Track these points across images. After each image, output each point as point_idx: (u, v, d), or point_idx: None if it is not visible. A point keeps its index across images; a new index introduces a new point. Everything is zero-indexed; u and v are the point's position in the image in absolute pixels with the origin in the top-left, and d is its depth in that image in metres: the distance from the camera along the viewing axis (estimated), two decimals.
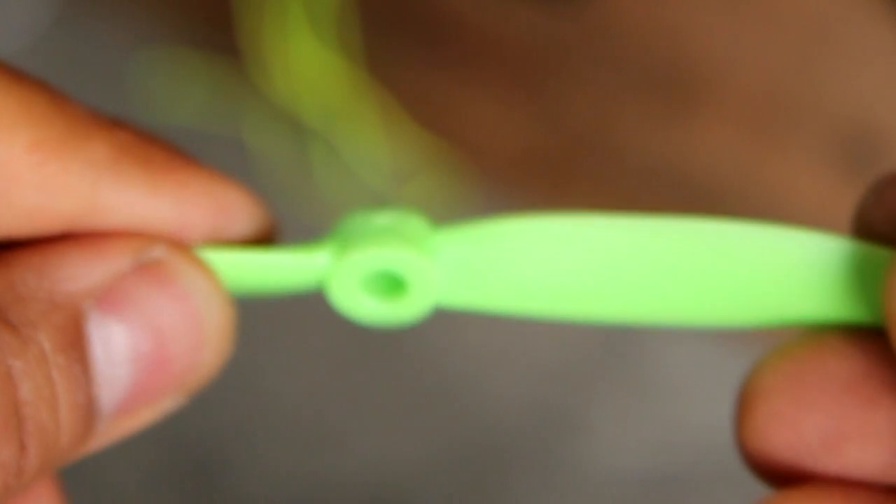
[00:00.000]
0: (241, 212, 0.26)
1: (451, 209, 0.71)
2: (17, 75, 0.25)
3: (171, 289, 0.24)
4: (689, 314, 0.25)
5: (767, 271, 0.25)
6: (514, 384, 0.70)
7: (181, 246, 0.25)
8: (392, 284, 0.25)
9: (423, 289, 0.25)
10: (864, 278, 0.25)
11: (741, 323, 0.25)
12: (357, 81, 0.71)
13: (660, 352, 0.70)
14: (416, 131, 0.71)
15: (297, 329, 0.71)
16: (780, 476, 0.25)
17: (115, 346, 0.23)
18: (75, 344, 0.23)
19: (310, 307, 0.71)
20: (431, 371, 0.71)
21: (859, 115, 0.67)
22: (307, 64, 0.72)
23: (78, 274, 0.23)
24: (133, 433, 0.25)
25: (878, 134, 0.67)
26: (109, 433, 0.24)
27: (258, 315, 0.72)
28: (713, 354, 0.69)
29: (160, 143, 0.25)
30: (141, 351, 0.24)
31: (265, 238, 0.26)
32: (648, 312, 0.25)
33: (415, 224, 0.25)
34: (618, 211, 0.25)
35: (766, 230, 0.25)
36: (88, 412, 0.23)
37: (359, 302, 0.25)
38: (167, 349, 0.24)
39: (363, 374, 0.72)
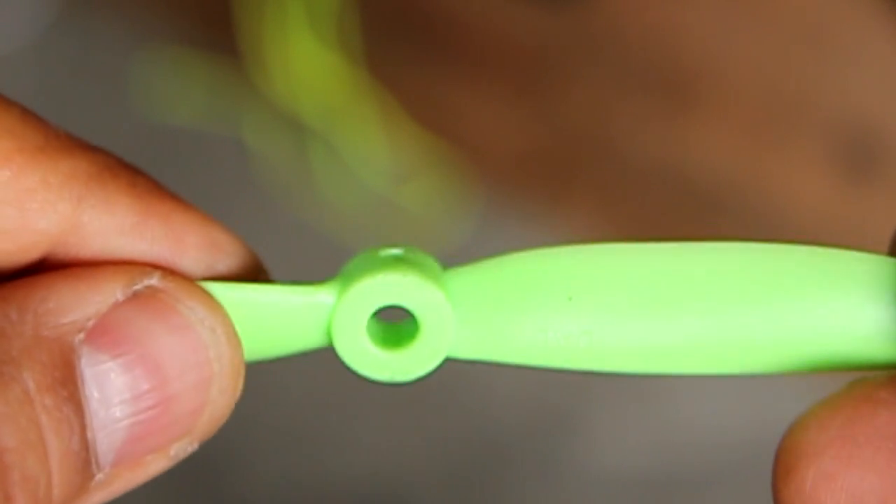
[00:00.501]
0: (230, 250, 0.24)
1: (451, 209, 0.71)
2: None
3: (170, 319, 0.22)
4: (722, 360, 0.23)
5: (808, 299, 0.22)
6: (514, 384, 0.70)
7: (179, 274, 0.22)
8: (402, 336, 0.23)
9: (437, 327, 0.22)
10: None
11: (778, 367, 0.23)
12: (357, 81, 0.71)
13: None
14: (416, 131, 0.71)
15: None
16: None
17: (110, 384, 0.21)
18: (65, 383, 0.21)
19: None
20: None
21: (858, 116, 0.67)
22: (307, 64, 0.72)
23: (65, 306, 0.21)
24: (139, 485, 0.23)
25: (878, 134, 0.67)
26: (112, 486, 0.22)
27: None
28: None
29: (144, 173, 0.23)
30: (141, 389, 0.21)
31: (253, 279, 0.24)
32: (681, 361, 0.23)
33: (425, 261, 0.23)
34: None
35: (805, 252, 0.22)
36: (84, 460, 0.21)
37: (366, 350, 0.23)
38: (170, 387, 0.22)
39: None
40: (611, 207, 0.69)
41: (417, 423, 0.71)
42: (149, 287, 0.22)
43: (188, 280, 0.22)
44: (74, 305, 0.21)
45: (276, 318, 0.23)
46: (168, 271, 0.22)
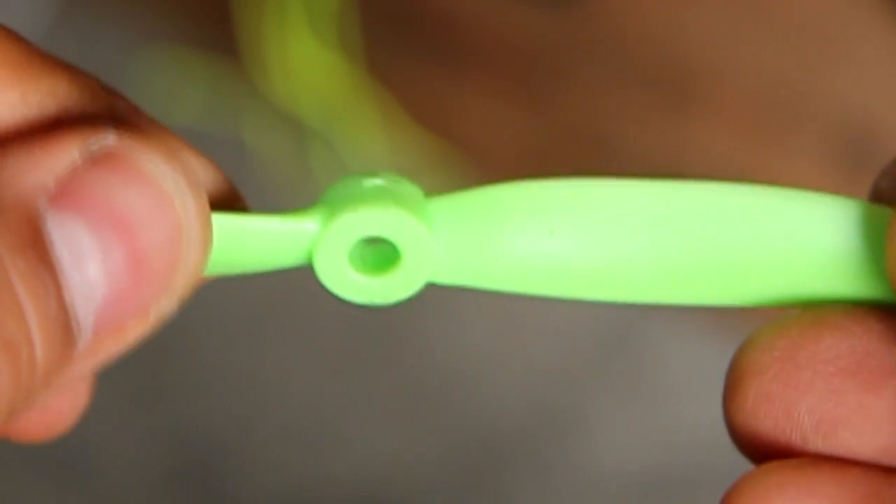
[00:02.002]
0: (202, 175, 0.24)
1: None
2: None
3: (131, 175, 0.21)
4: (694, 290, 0.24)
5: (775, 236, 0.23)
6: (513, 384, 0.70)
7: (135, 131, 0.22)
8: (383, 258, 0.23)
9: (417, 258, 0.23)
10: (874, 245, 0.23)
11: (746, 299, 0.24)
12: (357, 81, 0.71)
13: (659, 351, 0.70)
14: (416, 131, 0.71)
15: (298, 329, 0.71)
16: (767, 455, 0.24)
17: (80, 244, 0.21)
18: (34, 244, 0.20)
19: (310, 307, 0.71)
20: (431, 371, 0.71)
21: (859, 115, 0.67)
22: (307, 64, 0.72)
23: (23, 171, 0.21)
24: (127, 349, 0.22)
25: (878, 133, 0.67)
26: (96, 354, 0.21)
27: (258, 316, 0.72)
28: (713, 354, 0.69)
29: (123, 96, 0.23)
30: (110, 246, 0.21)
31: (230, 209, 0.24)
32: (655, 289, 0.24)
33: (409, 189, 0.23)
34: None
35: (774, 192, 0.24)
36: (64, 323, 0.20)
37: (347, 276, 0.23)
38: (140, 242, 0.21)
39: (363, 375, 0.72)
40: None
41: (417, 423, 0.71)
42: (105, 146, 0.21)
43: (145, 136, 0.22)
44: (33, 169, 0.21)
45: (258, 243, 0.23)
46: (124, 129, 0.22)
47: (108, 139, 0.21)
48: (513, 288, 0.24)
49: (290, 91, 0.72)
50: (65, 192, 0.21)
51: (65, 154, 0.21)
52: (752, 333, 0.24)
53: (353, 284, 0.23)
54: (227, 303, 0.71)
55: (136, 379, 0.70)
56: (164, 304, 0.22)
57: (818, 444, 0.23)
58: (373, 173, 0.23)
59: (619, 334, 0.70)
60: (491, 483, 0.70)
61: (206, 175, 0.24)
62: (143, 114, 0.23)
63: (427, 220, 0.23)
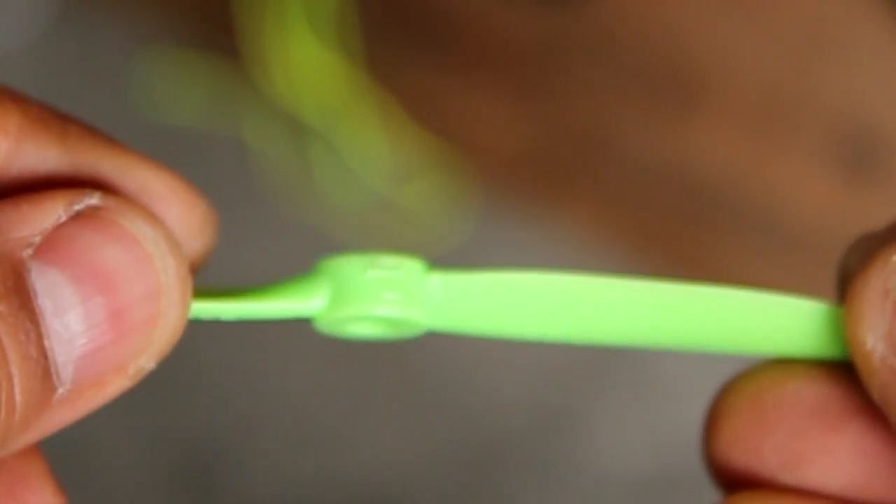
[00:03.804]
0: (168, 196, 0.24)
1: (450, 209, 0.71)
2: None
3: (113, 233, 0.22)
4: (676, 344, 0.27)
5: (750, 325, 0.26)
6: (513, 384, 0.70)
7: (119, 193, 0.23)
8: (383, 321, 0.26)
9: (414, 327, 0.26)
10: (835, 328, 0.25)
11: (721, 351, 0.26)
12: (357, 81, 0.71)
13: (660, 352, 0.70)
14: (416, 131, 0.71)
15: (297, 329, 0.71)
16: (738, 488, 0.26)
17: (62, 296, 0.22)
18: (17, 292, 0.21)
19: None
20: (431, 371, 0.71)
21: (859, 115, 0.67)
22: (307, 64, 0.72)
23: (10, 225, 0.21)
24: (106, 403, 0.23)
25: (878, 134, 0.67)
26: (76, 404, 0.22)
27: None
28: (713, 354, 0.69)
29: (76, 120, 0.24)
30: (92, 300, 0.22)
31: (201, 230, 0.25)
32: (638, 336, 0.26)
33: (407, 273, 0.25)
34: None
35: (748, 296, 0.26)
36: (44, 368, 0.21)
37: (348, 331, 0.26)
38: (121, 297, 0.22)
39: (363, 375, 0.72)
40: (610, 207, 0.69)
41: (418, 423, 0.71)
42: (90, 206, 0.22)
43: (128, 198, 0.23)
44: (19, 224, 0.22)
45: (261, 316, 0.25)
46: (108, 191, 0.23)
47: (93, 199, 0.22)
48: (505, 336, 0.27)
49: (290, 91, 0.72)
50: (50, 246, 0.22)
51: (51, 211, 0.22)
52: (729, 380, 0.26)
53: (352, 334, 0.26)
54: None
55: None
56: (144, 361, 0.23)
57: (785, 479, 0.25)
58: (374, 260, 0.25)
59: None
60: (492, 483, 0.70)
61: (170, 195, 0.24)
62: (99, 137, 0.24)
63: (423, 304, 0.25)
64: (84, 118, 0.24)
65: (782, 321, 0.25)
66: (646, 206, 0.69)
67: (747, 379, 0.26)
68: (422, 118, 0.71)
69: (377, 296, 0.25)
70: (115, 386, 0.22)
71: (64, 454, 0.70)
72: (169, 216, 0.24)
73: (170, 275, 0.22)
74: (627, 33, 0.69)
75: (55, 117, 0.23)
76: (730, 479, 0.26)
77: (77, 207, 0.22)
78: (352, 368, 0.72)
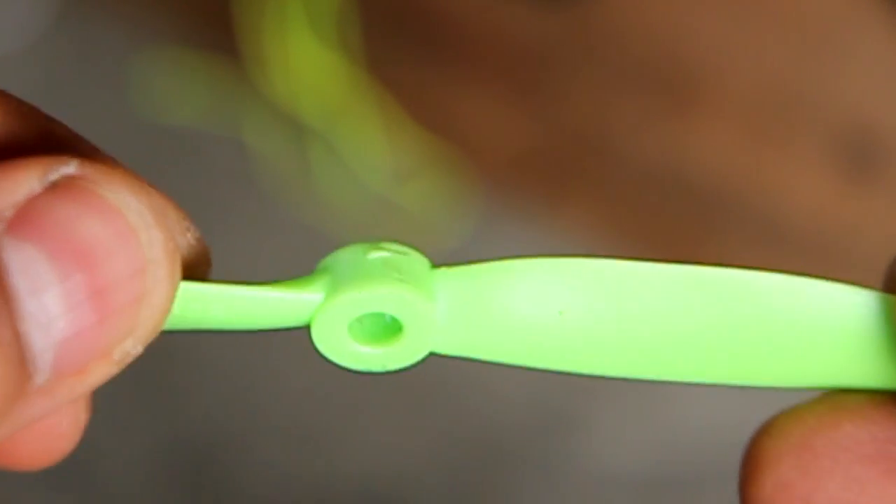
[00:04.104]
0: (167, 222, 0.22)
1: (451, 209, 0.71)
2: None
3: (93, 204, 0.20)
4: (704, 371, 0.23)
5: (792, 324, 0.23)
6: (514, 384, 0.70)
7: (98, 160, 0.21)
8: (386, 329, 0.23)
9: (419, 332, 0.22)
10: (892, 334, 0.23)
11: (759, 381, 0.24)
12: (357, 81, 0.71)
13: None
14: (416, 131, 0.71)
15: (296, 329, 0.71)
16: None
17: (38, 273, 0.19)
18: None
19: None
20: (431, 370, 0.71)
21: (858, 116, 0.67)
22: (307, 64, 0.72)
23: None
24: (88, 392, 0.21)
25: (877, 133, 0.67)
26: (55, 394, 0.20)
27: None
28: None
29: (62, 125, 0.22)
30: (71, 278, 0.20)
31: (198, 264, 0.23)
32: (659, 368, 0.23)
33: (414, 261, 0.23)
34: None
35: (791, 280, 0.23)
36: (17, 354, 0.19)
37: (347, 347, 0.23)
38: (102, 275, 0.20)
39: (363, 375, 0.72)
40: (610, 207, 0.69)
41: (418, 422, 0.71)
42: (67, 175, 0.20)
43: (109, 165, 0.21)
44: None
45: (257, 310, 0.22)
46: (86, 158, 0.20)
47: (70, 167, 0.20)
48: (516, 362, 0.23)
49: (290, 91, 0.72)
50: (23, 220, 0.20)
51: (24, 181, 0.20)
52: (769, 420, 0.24)
53: (351, 354, 0.23)
54: None
55: (137, 378, 0.70)
56: (129, 345, 0.21)
57: None
58: (378, 244, 0.23)
59: None
60: (492, 482, 0.70)
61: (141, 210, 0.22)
62: (85, 141, 0.22)
63: (432, 294, 0.22)
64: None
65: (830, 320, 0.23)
66: (645, 205, 0.69)
67: (793, 419, 0.23)
68: (422, 118, 0.71)
69: (381, 274, 0.22)
70: (99, 373, 0.20)
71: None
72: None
73: (156, 249, 0.20)
74: (627, 33, 0.69)
75: (42, 116, 0.21)
76: None
77: (52, 177, 0.20)
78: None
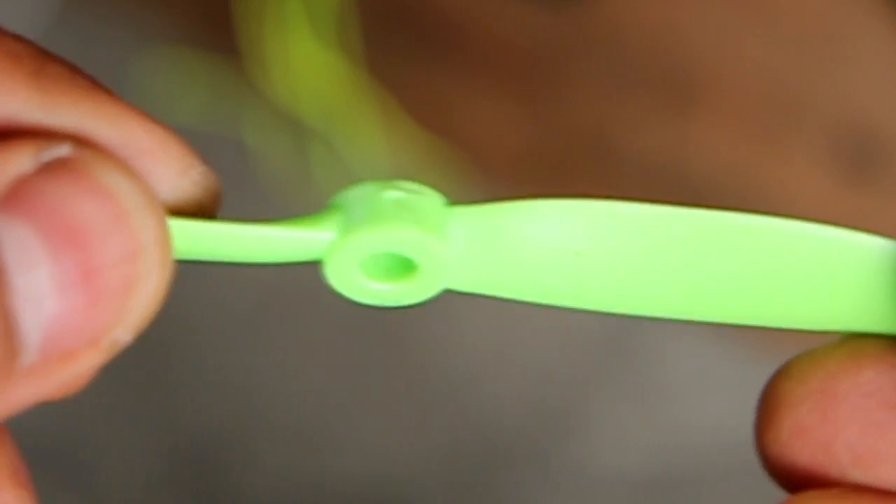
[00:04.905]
0: (162, 156, 0.22)
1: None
2: None
3: (87, 185, 0.20)
4: (721, 310, 0.23)
5: (812, 268, 0.23)
6: (514, 384, 0.70)
7: (93, 143, 0.20)
8: (400, 264, 0.23)
9: (434, 271, 0.22)
10: None
11: (776, 321, 0.23)
12: (357, 81, 0.71)
13: (660, 352, 0.70)
14: (416, 131, 0.71)
15: (299, 327, 0.71)
16: (802, 486, 0.23)
17: (29, 250, 0.19)
18: None
19: (311, 305, 0.70)
20: (431, 371, 0.71)
21: (859, 116, 0.67)
22: (307, 64, 0.72)
23: None
24: (73, 380, 0.20)
25: (877, 134, 0.67)
26: (43, 379, 0.20)
27: (259, 313, 0.72)
28: (714, 354, 0.69)
29: (57, 59, 0.21)
30: (62, 257, 0.19)
31: (205, 202, 0.22)
32: (680, 306, 0.23)
33: (428, 200, 0.23)
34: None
35: (813, 228, 0.23)
36: (7, 328, 0.19)
37: (360, 283, 0.23)
38: (95, 256, 0.19)
39: (363, 374, 0.72)
40: None
41: (418, 422, 0.71)
42: (59, 157, 0.20)
43: (103, 149, 0.20)
44: None
45: (269, 247, 0.22)
46: (81, 140, 0.20)
47: (63, 149, 0.20)
48: (530, 299, 0.23)
49: (290, 91, 0.72)
50: (15, 197, 0.19)
51: (16, 159, 0.19)
52: (786, 363, 0.23)
53: (364, 289, 0.23)
54: (227, 299, 0.71)
55: (135, 376, 0.70)
56: (119, 332, 0.20)
57: (857, 477, 0.22)
58: (392, 183, 0.23)
59: (620, 333, 0.70)
60: (492, 482, 0.70)
61: (160, 152, 0.22)
62: (81, 76, 0.21)
63: (444, 233, 0.22)
64: None
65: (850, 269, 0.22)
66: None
67: (813, 362, 0.23)
68: (422, 118, 0.71)
69: (395, 214, 0.22)
70: (86, 360, 0.20)
71: (62, 451, 0.70)
72: (157, 176, 0.22)
73: (149, 234, 0.20)
74: (628, 33, 0.69)
75: (31, 54, 0.21)
76: (791, 476, 0.23)
77: (45, 157, 0.20)
78: (352, 367, 0.72)
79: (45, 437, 0.68)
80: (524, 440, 0.70)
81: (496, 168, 0.70)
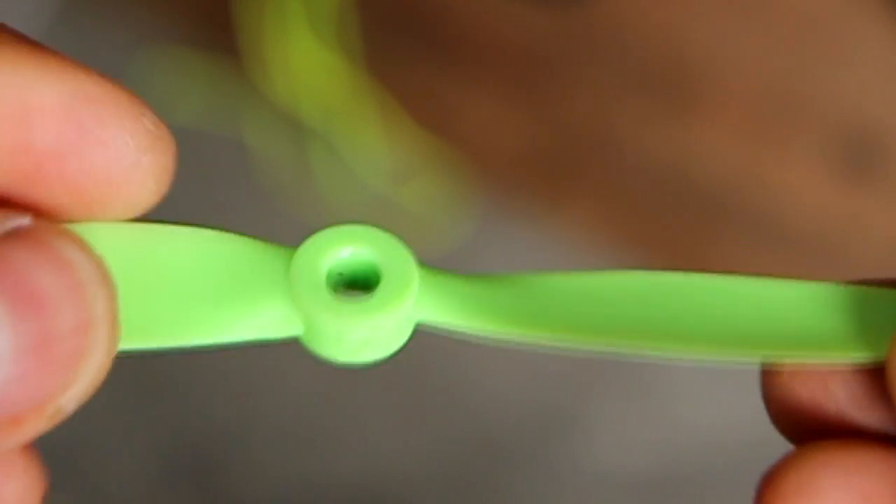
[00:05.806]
0: (119, 107, 0.22)
1: (450, 209, 0.71)
2: None
3: (47, 255, 0.20)
4: (684, 352, 0.25)
5: (763, 318, 0.24)
6: (514, 384, 0.70)
7: (51, 218, 0.21)
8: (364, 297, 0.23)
9: (399, 280, 0.23)
10: (861, 318, 0.23)
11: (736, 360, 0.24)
12: (357, 81, 0.71)
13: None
14: (416, 131, 0.71)
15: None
16: (803, 430, 0.23)
17: None
18: None
19: None
20: (431, 371, 0.71)
21: (858, 115, 0.67)
22: (307, 64, 0.72)
23: None
24: (8, 449, 0.20)
25: (877, 133, 0.67)
26: None
27: None
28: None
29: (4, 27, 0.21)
30: (24, 324, 0.19)
31: (159, 154, 0.23)
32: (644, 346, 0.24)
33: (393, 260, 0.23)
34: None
35: (759, 284, 0.24)
36: None
37: (325, 299, 0.23)
38: (50, 325, 0.20)
39: (362, 374, 0.72)
40: (611, 207, 0.69)
41: (417, 422, 0.71)
42: (21, 226, 0.20)
43: (60, 224, 0.21)
44: None
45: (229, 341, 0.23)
46: (40, 213, 0.21)
47: (24, 220, 0.20)
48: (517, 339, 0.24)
49: (290, 91, 0.72)
50: None
51: None
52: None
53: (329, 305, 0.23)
54: None
55: (136, 378, 0.70)
56: (65, 400, 0.20)
57: (857, 418, 0.23)
58: (357, 233, 0.24)
59: None
60: (492, 482, 0.70)
61: (124, 116, 0.22)
62: (26, 41, 0.21)
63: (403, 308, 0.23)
64: None
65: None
66: (646, 206, 0.69)
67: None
68: (422, 118, 0.71)
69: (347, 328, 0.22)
70: (31, 427, 0.20)
71: (63, 455, 0.70)
72: (107, 133, 0.22)
73: (100, 308, 0.20)
74: (628, 33, 0.69)
75: None
76: (792, 418, 0.23)
77: (8, 226, 0.20)
78: (352, 368, 0.72)
79: (45, 437, 0.68)
80: (524, 440, 0.70)
81: (496, 168, 0.70)
